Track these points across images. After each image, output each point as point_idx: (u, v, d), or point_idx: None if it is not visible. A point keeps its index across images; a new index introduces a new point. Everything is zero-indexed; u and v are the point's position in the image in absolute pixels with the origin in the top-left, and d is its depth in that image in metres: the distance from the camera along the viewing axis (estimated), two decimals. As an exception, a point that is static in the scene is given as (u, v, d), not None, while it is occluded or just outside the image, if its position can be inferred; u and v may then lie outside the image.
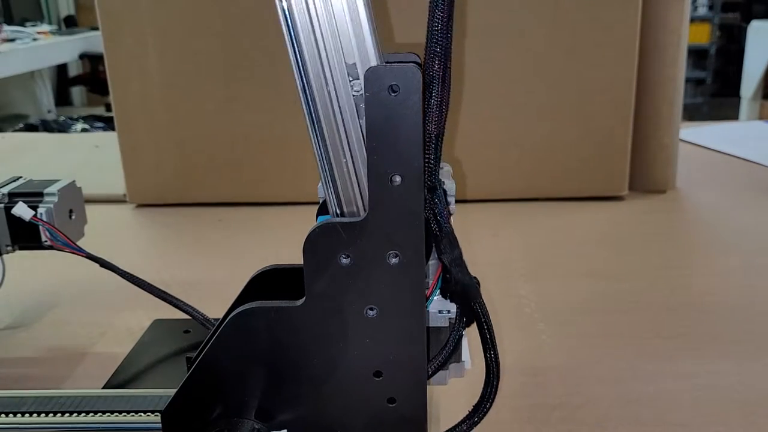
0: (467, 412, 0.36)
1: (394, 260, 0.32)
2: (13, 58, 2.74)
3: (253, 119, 0.82)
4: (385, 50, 0.33)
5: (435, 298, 0.35)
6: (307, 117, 0.32)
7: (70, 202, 0.51)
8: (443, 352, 0.35)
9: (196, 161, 0.84)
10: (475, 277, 0.35)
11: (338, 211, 0.33)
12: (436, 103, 0.32)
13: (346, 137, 0.32)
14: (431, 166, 0.33)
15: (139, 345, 0.51)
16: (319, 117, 0.32)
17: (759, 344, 0.52)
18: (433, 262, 0.35)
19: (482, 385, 0.36)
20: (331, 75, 0.31)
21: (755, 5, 4.11)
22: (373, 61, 0.31)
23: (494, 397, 0.36)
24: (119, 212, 0.86)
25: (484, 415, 0.36)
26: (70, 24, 3.75)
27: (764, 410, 0.44)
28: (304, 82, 0.31)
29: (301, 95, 0.32)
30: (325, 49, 0.31)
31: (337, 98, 0.31)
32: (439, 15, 0.31)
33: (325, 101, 0.32)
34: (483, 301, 0.35)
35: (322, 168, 0.33)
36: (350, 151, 0.32)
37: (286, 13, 0.31)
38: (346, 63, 0.31)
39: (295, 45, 0.31)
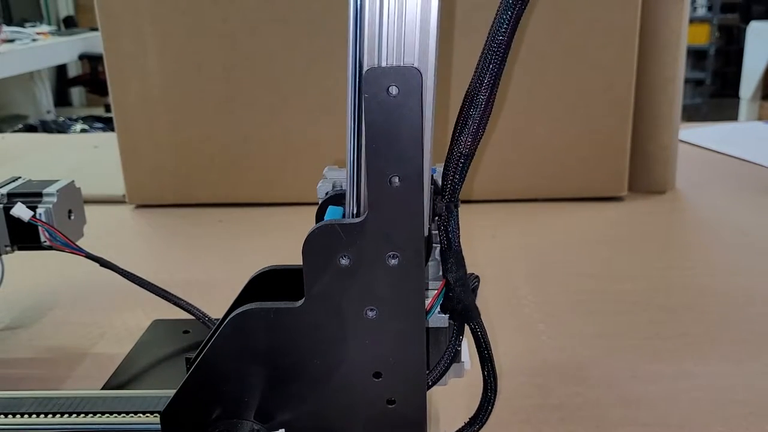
0: (464, 423, 0.36)
1: (393, 261, 0.32)
2: (13, 58, 2.74)
3: (253, 119, 0.82)
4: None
5: (435, 312, 0.35)
6: (350, 114, 0.31)
7: (69, 202, 0.51)
8: (440, 363, 0.35)
9: (195, 162, 0.84)
10: (475, 276, 0.35)
11: (356, 212, 0.33)
12: (475, 122, 0.31)
13: None
14: (455, 186, 0.32)
15: (139, 345, 0.50)
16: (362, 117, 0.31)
17: (759, 344, 0.52)
18: (432, 263, 0.35)
19: (480, 393, 0.36)
20: None
21: (754, 6, 4.12)
22: (431, 67, 0.30)
23: (491, 411, 0.36)
24: (118, 213, 0.85)
25: (480, 428, 0.36)
26: (69, 24, 3.75)
27: (764, 410, 0.44)
28: (357, 76, 0.30)
29: (349, 89, 0.31)
30: (386, 48, 0.30)
31: None
32: (504, 28, 0.30)
33: None
34: (482, 321, 0.35)
35: (352, 167, 0.32)
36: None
37: (357, 3, 0.30)
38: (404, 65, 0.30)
39: (357, 37, 0.30)
